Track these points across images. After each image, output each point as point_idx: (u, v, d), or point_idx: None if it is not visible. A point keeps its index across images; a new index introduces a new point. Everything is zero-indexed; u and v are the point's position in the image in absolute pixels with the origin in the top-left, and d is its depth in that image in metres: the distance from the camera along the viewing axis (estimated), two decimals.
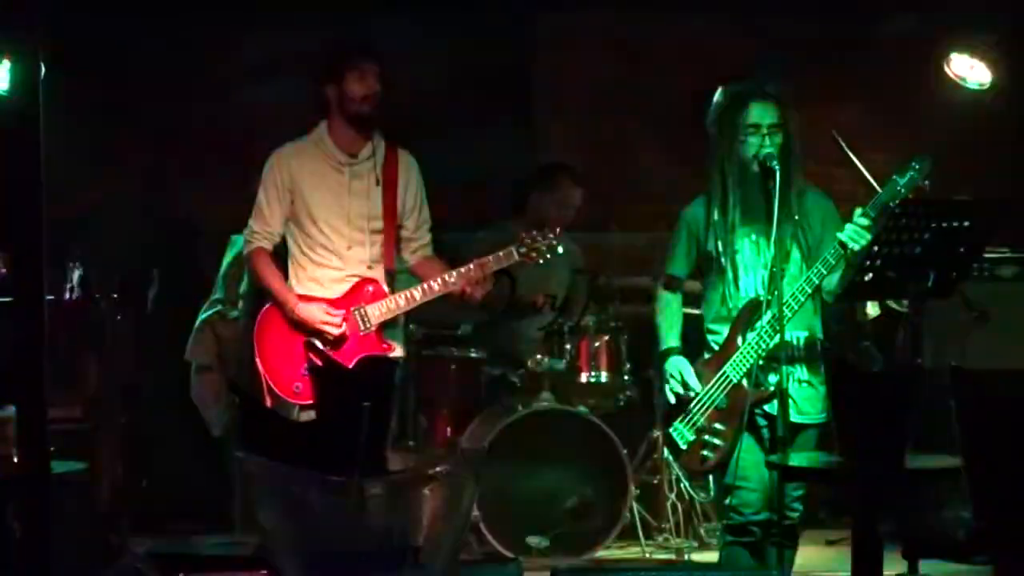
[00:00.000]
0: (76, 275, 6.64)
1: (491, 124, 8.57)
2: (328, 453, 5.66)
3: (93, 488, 6.28)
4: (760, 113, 5.51)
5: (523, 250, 6.06)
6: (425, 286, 6.04)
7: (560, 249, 6.14)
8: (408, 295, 6.05)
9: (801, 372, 5.57)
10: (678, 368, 5.68)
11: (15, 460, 4.73)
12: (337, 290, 6.02)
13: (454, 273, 6.03)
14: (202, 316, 7.17)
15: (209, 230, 7.94)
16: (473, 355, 7.62)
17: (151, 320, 7.63)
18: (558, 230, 6.16)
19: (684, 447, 5.66)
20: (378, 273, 6.07)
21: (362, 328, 6.00)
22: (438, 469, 6.78)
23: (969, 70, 7.78)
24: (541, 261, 6.10)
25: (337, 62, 6.05)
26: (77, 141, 7.32)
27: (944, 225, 5.14)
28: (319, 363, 5.90)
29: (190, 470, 7.57)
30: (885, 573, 4.93)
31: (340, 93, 6.03)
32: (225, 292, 7.06)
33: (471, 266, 6.03)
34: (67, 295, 6.62)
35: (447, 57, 8.55)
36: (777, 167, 5.38)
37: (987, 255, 7.04)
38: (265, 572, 4.98)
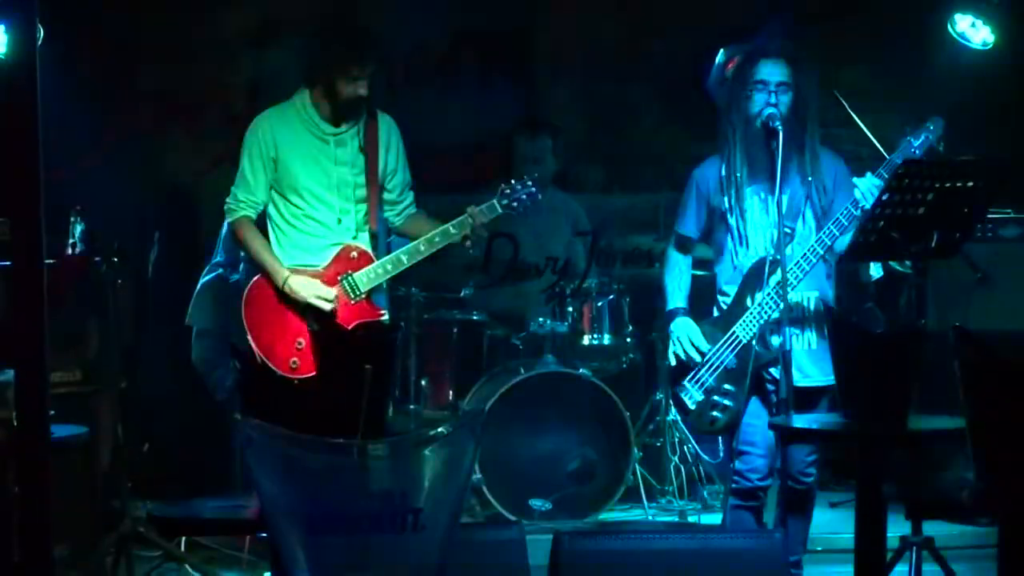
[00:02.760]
0: (79, 229, 6.60)
1: (492, 86, 8.54)
2: (329, 416, 5.66)
3: (93, 452, 6.26)
4: (769, 71, 5.45)
5: (504, 202, 6.04)
6: (412, 249, 6.01)
7: (539, 196, 6.12)
8: (395, 259, 6.02)
9: (811, 334, 5.53)
10: (684, 329, 5.64)
11: (15, 424, 4.71)
12: (323, 257, 6.00)
13: (438, 233, 6.00)
14: (203, 279, 7.15)
15: (209, 193, 7.91)
16: (475, 318, 7.61)
17: (152, 283, 7.62)
18: (536, 176, 6.14)
19: (692, 407, 5.62)
20: (364, 239, 6.04)
21: (352, 297, 5.97)
22: (440, 431, 6.81)
23: (972, 30, 7.72)
24: (522, 210, 6.08)
25: (327, 67, 5.94)
26: (76, 104, 7.28)
27: (948, 185, 5.10)
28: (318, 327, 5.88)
29: (191, 434, 7.57)
30: (889, 535, 4.91)
31: (329, 89, 5.95)
32: (226, 255, 7.03)
33: (450, 227, 5.99)
34: (69, 250, 6.59)
35: (448, 18, 8.51)
36: (780, 127, 5.33)
37: (990, 216, 7.02)
38: (265, 535, 4.97)
